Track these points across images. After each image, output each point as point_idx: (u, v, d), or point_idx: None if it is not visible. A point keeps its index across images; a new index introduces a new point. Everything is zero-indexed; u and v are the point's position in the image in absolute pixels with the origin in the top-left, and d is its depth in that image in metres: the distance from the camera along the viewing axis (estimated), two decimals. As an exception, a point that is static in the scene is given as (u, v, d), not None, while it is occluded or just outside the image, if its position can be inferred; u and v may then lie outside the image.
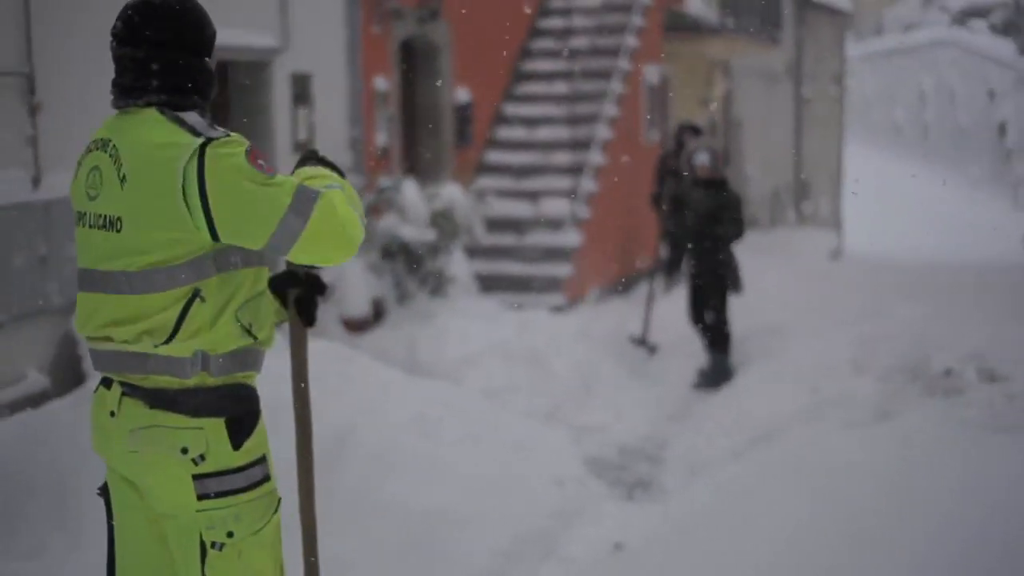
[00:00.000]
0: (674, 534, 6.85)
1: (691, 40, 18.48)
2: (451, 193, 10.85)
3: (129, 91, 3.21)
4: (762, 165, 22.41)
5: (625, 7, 15.55)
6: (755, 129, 22.22)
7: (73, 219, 3.31)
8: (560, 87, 14.68)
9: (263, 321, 3.27)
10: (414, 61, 13.09)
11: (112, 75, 3.27)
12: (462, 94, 13.50)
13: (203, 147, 3.06)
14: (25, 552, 5.27)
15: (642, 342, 11.13)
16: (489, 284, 11.87)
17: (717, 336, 10.72)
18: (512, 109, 14.67)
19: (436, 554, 5.98)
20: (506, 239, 12.63)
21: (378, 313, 9.82)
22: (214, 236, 3.07)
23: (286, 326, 3.58)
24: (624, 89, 14.82)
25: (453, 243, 10.66)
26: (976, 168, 37.19)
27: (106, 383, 3.27)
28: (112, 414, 3.21)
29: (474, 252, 11.79)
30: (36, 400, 7.10)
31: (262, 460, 3.26)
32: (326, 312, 9.32)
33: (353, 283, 9.40)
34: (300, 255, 3.12)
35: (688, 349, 10.87)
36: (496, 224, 12.47)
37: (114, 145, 3.17)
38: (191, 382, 3.15)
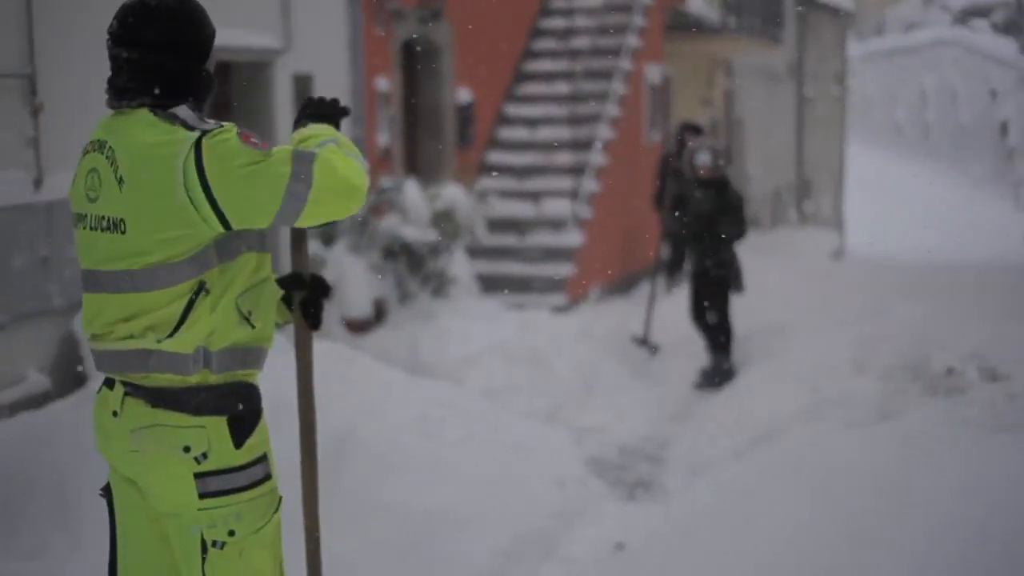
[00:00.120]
0: (675, 534, 6.85)
1: (693, 39, 18.49)
2: (453, 193, 10.87)
3: (123, 92, 3.21)
4: (764, 164, 22.42)
5: (626, 7, 15.56)
6: (757, 128, 22.23)
7: (72, 221, 3.32)
8: (562, 87, 14.70)
9: (263, 310, 3.26)
10: (416, 62, 13.10)
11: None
12: (464, 94, 13.51)
13: (198, 140, 3.07)
14: (26, 552, 5.29)
15: (644, 342, 11.14)
16: (491, 284, 11.88)
17: (719, 336, 10.72)
18: (514, 109, 14.68)
19: (436, 554, 5.99)
20: (508, 239, 12.64)
21: (379, 313, 9.84)
22: (225, 225, 3.08)
23: (290, 328, 3.58)
24: (625, 89, 14.83)
25: (455, 243, 10.68)
26: (978, 167, 37.19)
27: (108, 383, 3.27)
28: (115, 414, 3.22)
29: (476, 252, 11.81)
30: (37, 401, 7.11)
31: (263, 458, 3.26)
32: (328, 312, 9.32)
33: (354, 283, 9.42)
34: (309, 220, 3.13)
35: (690, 349, 10.88)
36: (498, 224, 12.49)
37: (110, 147, 3.17)
38: (193, 380, 3.15)
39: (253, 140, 3.10)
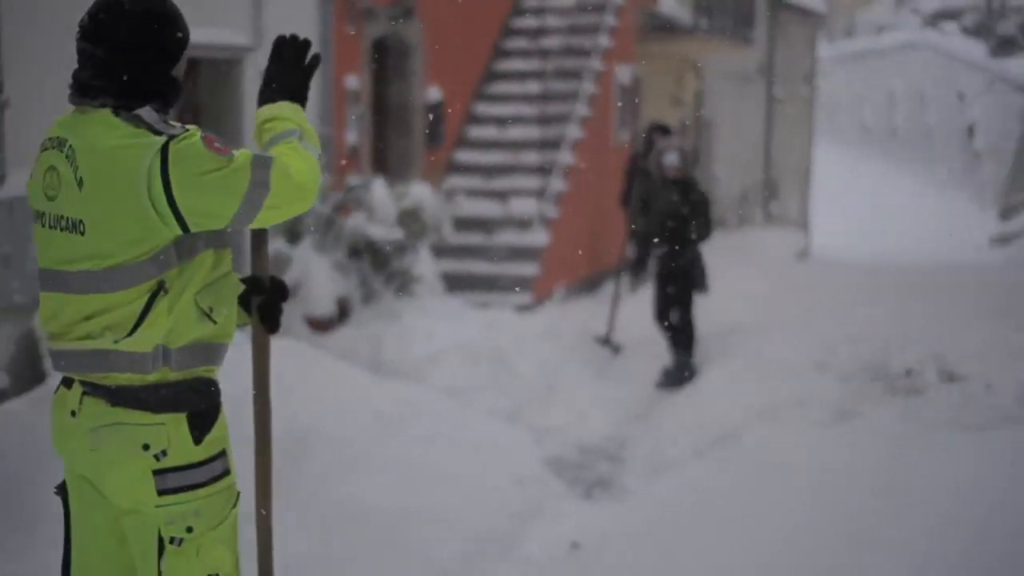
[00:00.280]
0: (631, 533, 6.93)
1: (664, 40, 18.57)
2: (419, 192, 10.91)
3: (87, 89, 3.20)
4: (732, 165, 22.52)
5: (598, 7, 15.63)
6: (726, 129, 22.32)
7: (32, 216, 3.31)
8: (532, 87, 14.75)
9: (224, 305, 3.28)
10: (386, 60, 13.13)
11: None
12: (434, 93, 13.55)
13: (164, 146, 3.07)
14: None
15: (607, 341, 11.22)
16: (456, 283, 11.93)
17: (682, 336, 10.81)
18: (484, 108, 14.73)
19: (395, 553, 6.04)
20: (474, 238, 12.69)
21: (343, 312, 9.87)
22: (184, 228, 3.10)
23: (249, 328, 3.60)
24: (596, 89, 14.90)
25: (420, 242, 10.72)
26: (944, 169, 37.39)
27: (67, 383, 3.28)
28: (73, 414, 3.23)
29: (442, 251, 11.85)
30: (-4, 398, 7.11)
31: (223, 454, 3.28)
32: (291, 311, 9.36)
33: (318, 282, 9.45)
34: (264, 222, 3.20)
35: (653, 349, 10.96)
36: (465, 223, 12.53)
37: (71, 146, 3.16)
38: (152, 378, 3.16)
39: (216, 145, 3.12)
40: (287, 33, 3.53)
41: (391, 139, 13.19)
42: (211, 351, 3.27)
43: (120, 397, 3.17)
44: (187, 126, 3.19)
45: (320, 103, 11.32)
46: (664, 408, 9.82)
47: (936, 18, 40.25)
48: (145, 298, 3.12)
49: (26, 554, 5.15)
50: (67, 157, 3.16)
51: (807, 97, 27.40)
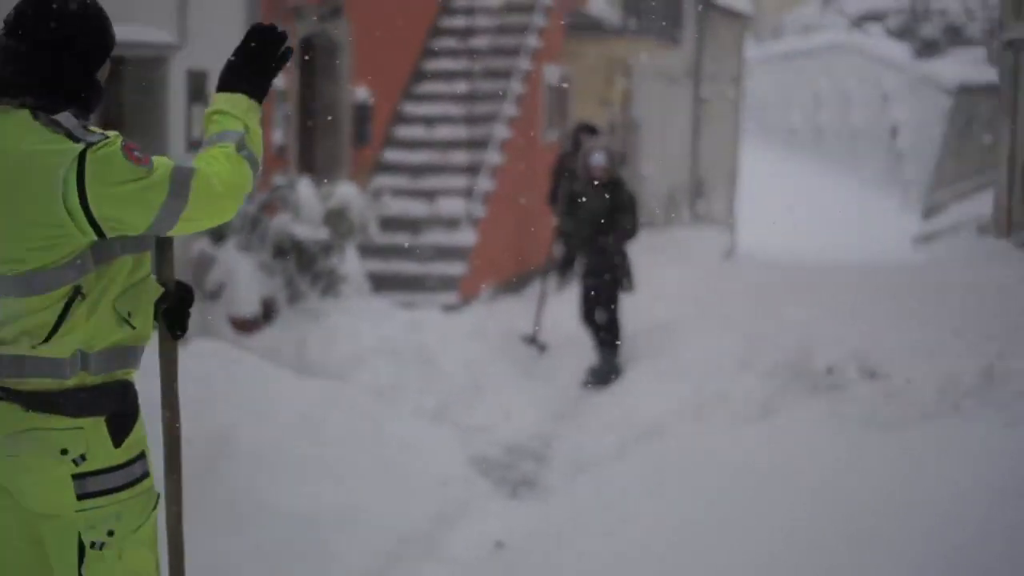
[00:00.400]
0: (555, 532, 6.98)
1: (593, 40, 18.68)
2: (346, 192, 10.90)
3: (7, 87, 3.14)
4: (659, 165, 22.68)
5: (527, 7, 15.69)
6: (653, 129, 22.48)
7: None
8: (460, 86, 14.78)
9: (143, 309, 3.26)
10: (314, 59, 13.10)
11: None
12: (361, 93, 13.54)
13: (82, 154, 3.04)
14: None
15: (533, 341, 11.27)
16: (382, 283, 11.93)
17: (607, 334, 10.90)
18: (412, 108, 14.74)
19: (317, 555, 6.04)
20: (401, 238, 12.70)
21: (268, 313, 9.83)
22: (100, 235, 3.08)
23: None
24: (524, 89, 14.96)
25: (347, 242, 10.71)
26: (868, 170, 37.90)
27: (-20, 389, 3.23)
28: (-14, 420, 3.18)
29: (368, 251, 11.84)
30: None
31: (142, 456, 3.27)
32: (214, 312, 9.33)
33: (243, 282, 9.41)
34: (181, 232, 3.19)
35: (579, 348, 11.03)
36: (392, 223, 12.54)
37: None
38: (70, 383, 3.14)
39: (136, 154, 3.09)
40: (265, 21, 3.50)
41: (318, 138, 13.16)
42: (129, 354, 3.25)
43: (35, 402, 3.14)
44: (107, 133, 3.15)
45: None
46: (590, 407, 9.89)
47: (861, 20, 40.75)
48: (61, 304, 3.10)
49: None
50: None
51: (734, 98, 27.67)
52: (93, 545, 3.18)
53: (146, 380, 3.44)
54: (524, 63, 15.01)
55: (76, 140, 3.08)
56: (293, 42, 11.94)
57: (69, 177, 3.03)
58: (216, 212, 3.22)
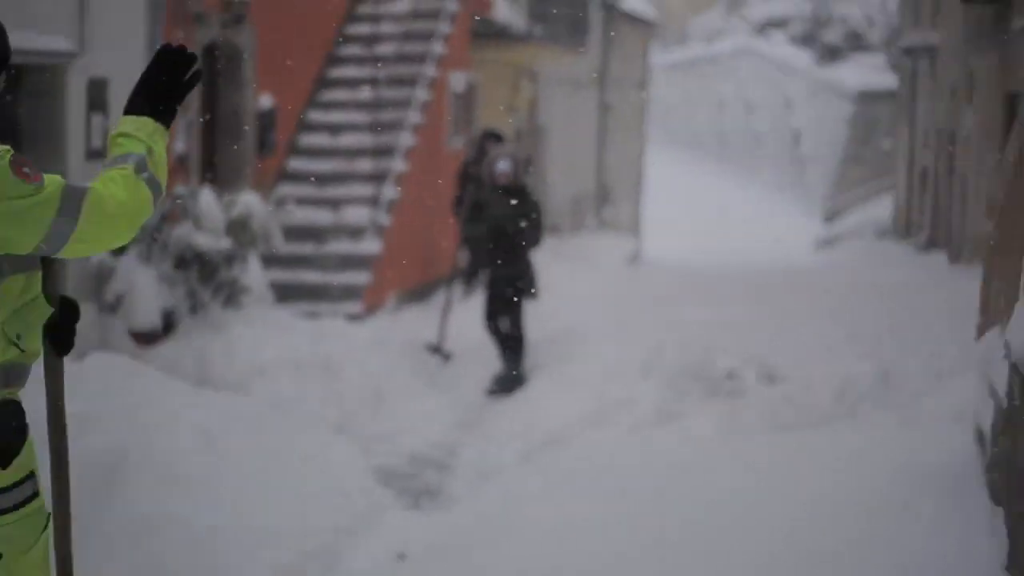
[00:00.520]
0: (457, 543, 6.99)
1: (499, 47, 18.73)
2: (248, 201, 10.83)
3: None
4: (565, 171, 22.81)
5: (433, 14, 15.69)
6: (560, 135, 22.61)
7: None
8: (366, 94, 14.74)
9: (32, 331, 3.20)
10: (217, 66, 13.00)
11: None
12: (265, 100, 13.46)
13: None
14: None
15: (437, 349, 11.28)
16: (286, 293, 11.86)
17: (512, 342, 10.96)
18: (317, 116, 14.68)
19: (218, 571, 6.00)
20: (305, 247, 12.64)
21: (169, 325, 9.74)
22: None
23: None
24: (429, 96, 14.96)
25: (249, 252, 10.64)
26: (771, 174, 38.45)
27: None
28: None
29: (272, 261, 11.76)
30: None
31: (31, 476, 3.22)
32: (113, 325, 9.22)
33: (143, 294, 9.32)
34: (72, 254, 3.13)
35: (483, 356, 11.07)
36: (296, 232, 12.48)
37: None
38: None
39: (25, 171, 3.03)
40: (175, 42, 3.47)
41: (221, 147, 13.06)
42: (16, 373, 3.20)
43: (-81, 423, 3.08)
44: None
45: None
46: (494, 415, 9.93)
47: (765, 26, 41.32)
48: (-52, 324, 3.04)
49: None
50: None
51: (640, 104, 27.93)
52: (-18, 567, 3.13)
53: (36, 398, 3.40)
54: (429, 70, 15.02)
55: None
56: (195, 49, 11.87)
57: None
58: (110, 234, 3.16)
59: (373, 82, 14.71)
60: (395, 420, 9.27)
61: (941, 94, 22.46)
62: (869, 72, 35.22)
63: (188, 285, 9.91)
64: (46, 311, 3.28)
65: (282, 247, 11.47)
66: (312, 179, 13.79)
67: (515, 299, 11.07)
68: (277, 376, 9.10)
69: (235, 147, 13.10)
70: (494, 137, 13.79)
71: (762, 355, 11.06)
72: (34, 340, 3.23)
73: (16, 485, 3.18)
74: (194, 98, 12.04)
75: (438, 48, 15.35)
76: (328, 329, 10.43)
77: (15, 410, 3.21)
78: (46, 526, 3.29)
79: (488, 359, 11.02)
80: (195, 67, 3.41)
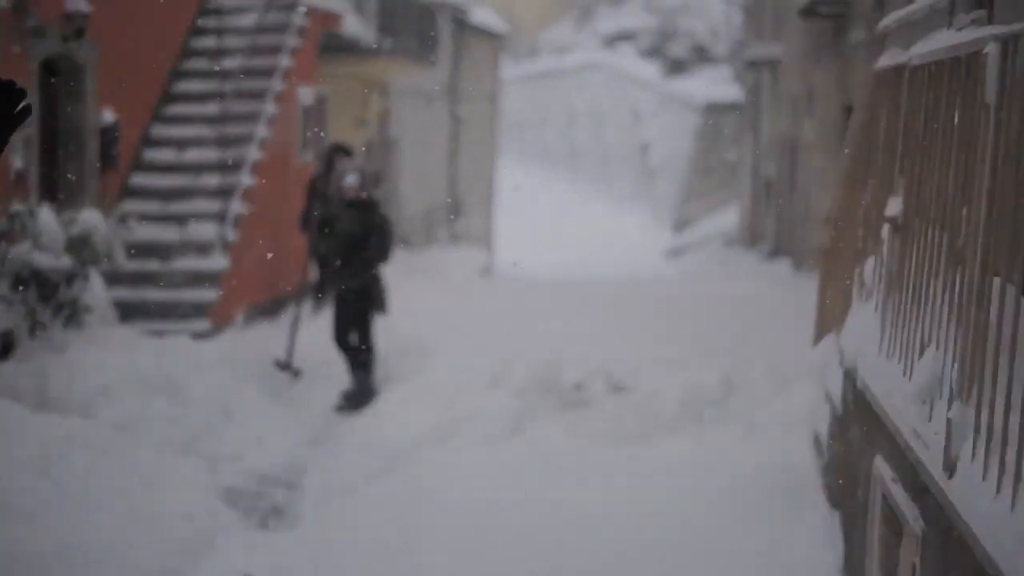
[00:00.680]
0: (303, 562, 6.96)
1: (348, 61, 18.67)
2: (89, 218, 10.59)
3: None
4: (417, 184, 22.82)
5: (280, 28, 15.55)
6: (411, 149, 22.61)
7: None
8: (212, 108, 14.55)
9: None
10: (57, 81, 12.70)
11: None
12: (108, 115, 13.19)
13: None
14: None
15: (286, 366, 11.18)
16: (131, 312, 11.63)
17: (361, 357, 10.92)
18: (161, 131, 14.44)
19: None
20: (151, 265, 12.41)
21: (7, 346, 9.47)
22: None
23: None
24: (277, 110, 14.83)
25: (91, 270, 10.41)
26: (621, 186, 38.99)
27: None
28: None
29: (115, 279, 11.52)
30: None
31: None
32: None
33: (-22, 316, 9.06)
34: None
35: (333, 372, 11.01)
36: (141, 249, 12.24)
37: None
38: None
39: None
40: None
41: (62, 163, 12.76)
42: None
43: None
44: None
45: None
46: (343, 431, 9.89)
47: (614, 40, 41.89)
48: None
49: None
50: None
51: (491, 116, 28.08)
52: None
53: None
54: (277, 84, 14.88)
55: None
56: (33, 63, 11.58)
57: None
58: None
59: (220, 96, 14.51)
60: (243, 439, 9.15)
61: (783, 106, 23.05)
62: (715, 85, 35.94)
63: (27, 305, 9.65)
64: None
65: (126, 265, 11.24)
66: (158, 195, 13.55)
67: (364, 314, 11.04)
68: (121, 396, 8.91)
69: (77, 163, 12.81)
70: (342, 151, 13.74)
71: (610, 365, 11.22)
72: None
73: None
74: (33, 113, 11.75)
75: (286, 62, 15.21)
76: (174, 347, 10.25)
77: None
78: None
79: (338, 375, 10.97)
80: (24, 102, 3.38)
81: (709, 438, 9.38)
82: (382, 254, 11.22)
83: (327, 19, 17.08)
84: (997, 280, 3.71)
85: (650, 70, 38.48)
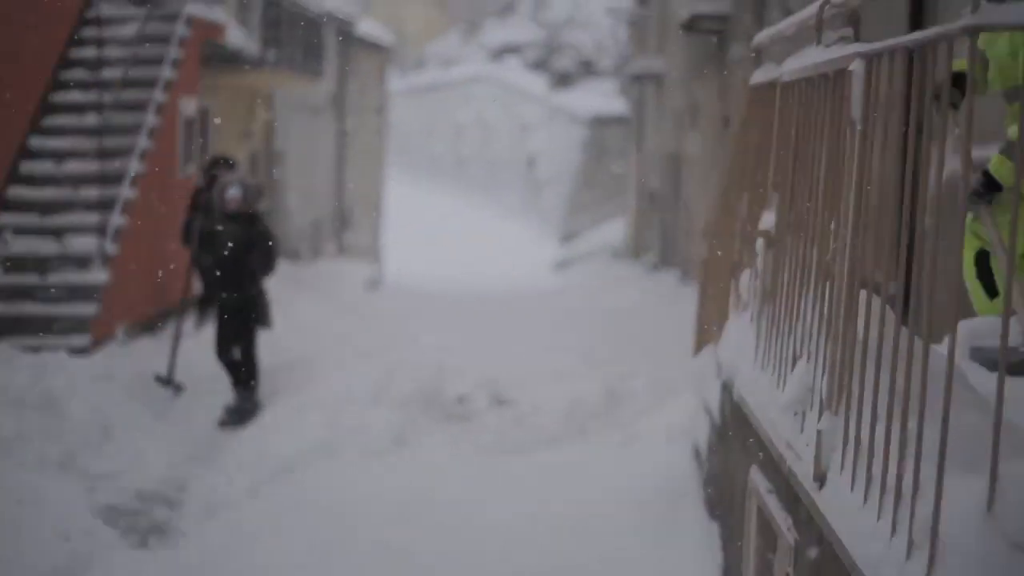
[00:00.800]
0: (183, 579, 6.88)
1: (232, 72, 18.48)
2: (-38, 233, 10.37)
3: None
4: (304, 197, 22.68)
5: (162, 38, 15.33)
6: (297, 161, 22.46)
7: None
8: (92, 120, 14.30)
9: None
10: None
11: None
12: (-19, 127, 12.91)
13: None
14: None
15: (168, 381, 11.01)
16: (6, 327, 11.37)
17: (244, 372, 10.81)
18: (39, 142, 14.15)
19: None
20: (27, 279, 12.15)
21: None
22: None
23: None
24: (158, 122, 14.62)
25: (-38, 286, 10.18)
26: (509, 198, 39.15)
27: None
28: None
29: (-11, 294, 11.29)
30: None
31: None
32: None
33: None
34: None
35: (216, 386, 10.88)
36: (17, 263, 12.00)
37: None
38: None
39: None
40: None
41: (-68, 176, 12.46)
42: None
43: None
44: None
45: None
46: (225, 447, 9.77)
47: (500, 52, 42.07)
48: None
49: None
50: None
51: (378, 128, 28.02)
52: None
53: None
54: (159, 95, 14.67)
55: None
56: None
57: None
58: None
59: (99, 107, 14.27)
60: (122, 456, 8.99)
61: (667, 119, 23.34)
62: (601, 98, 36.25)
63: None
64: None
65: (1, 279, 11.00)
66: (35, 207, 13.28)
67: (247, 328, 10.94)
68: (-8, 415, 8.71)
69: (-51, 175, 12.51)
70: (224, 163, 13.57)
71: (493, 378, 11.26)
72: None
73: None
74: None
75: (168, 73, 15.01)
76: (50, 363, 10.03)
77: None
78: None
79: (221, 389, 10.84)
80: None
81: (590, 450, 9.45)
82: (265, 267, 11.13)
83: (209, 30, 16.89)
84: (864, 293, 3.80)
85: (537, 83, 38.71)
